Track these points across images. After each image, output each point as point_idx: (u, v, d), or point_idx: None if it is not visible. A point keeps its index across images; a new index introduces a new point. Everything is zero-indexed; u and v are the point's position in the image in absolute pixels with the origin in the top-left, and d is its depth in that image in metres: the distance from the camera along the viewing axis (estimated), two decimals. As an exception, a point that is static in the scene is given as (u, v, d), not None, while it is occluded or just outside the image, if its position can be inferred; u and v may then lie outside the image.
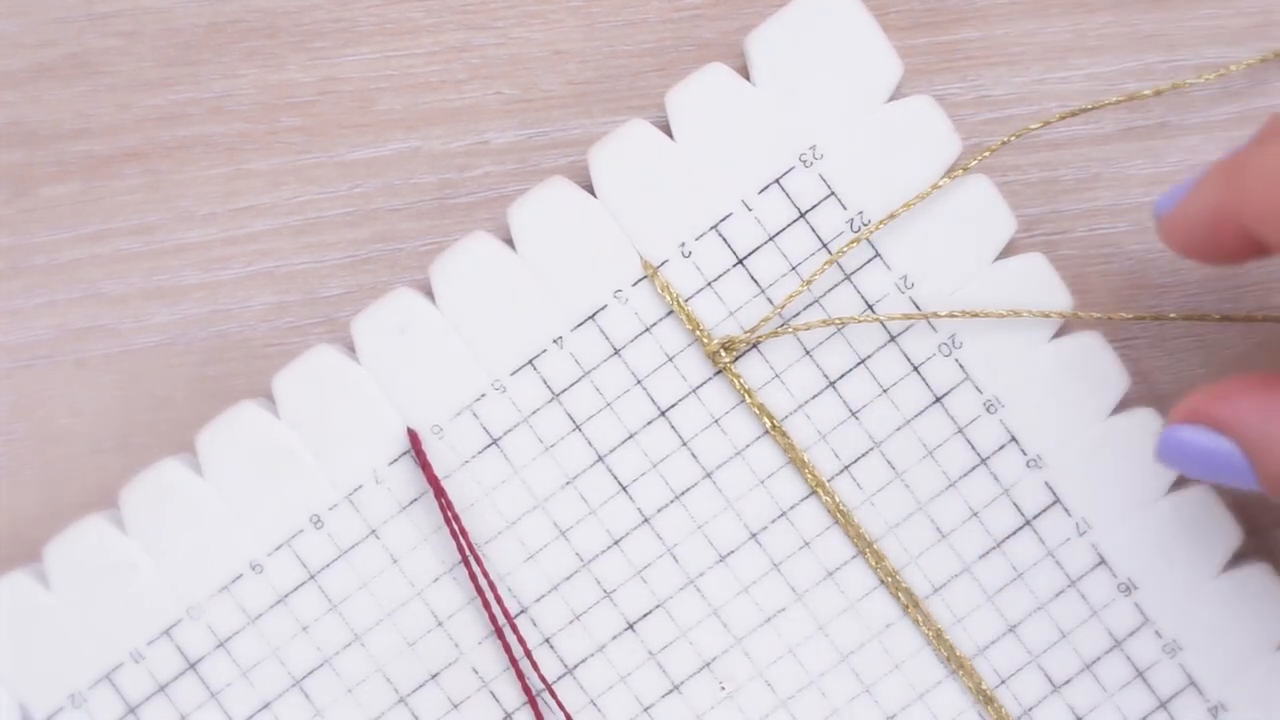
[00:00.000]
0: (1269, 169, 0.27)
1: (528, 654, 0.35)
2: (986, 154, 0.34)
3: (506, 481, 0.35)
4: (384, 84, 0.36)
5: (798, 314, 0.35)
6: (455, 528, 0.34)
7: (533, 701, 0.35)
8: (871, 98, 0.34)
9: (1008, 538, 0.35)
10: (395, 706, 0.35)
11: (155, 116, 0.36)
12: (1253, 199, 0.28)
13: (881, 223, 0.34)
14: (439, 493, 0.34)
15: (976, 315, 0.34)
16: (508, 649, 0.35)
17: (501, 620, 0.35)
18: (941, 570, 0.35)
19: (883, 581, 0.35)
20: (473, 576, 0.34)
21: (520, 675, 0.35)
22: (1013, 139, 0.34)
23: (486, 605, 0.35)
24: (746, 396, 0.35)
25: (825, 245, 0.35)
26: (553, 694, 0.35)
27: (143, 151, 0.36)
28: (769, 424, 0.35)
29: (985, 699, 0.35)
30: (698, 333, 0.34)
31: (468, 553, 0.34)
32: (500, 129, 0.36)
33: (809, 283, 0.34)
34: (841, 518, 0.35)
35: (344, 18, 0.36)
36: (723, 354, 0.34)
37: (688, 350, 0.35)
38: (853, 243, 0.34)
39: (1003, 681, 0.35)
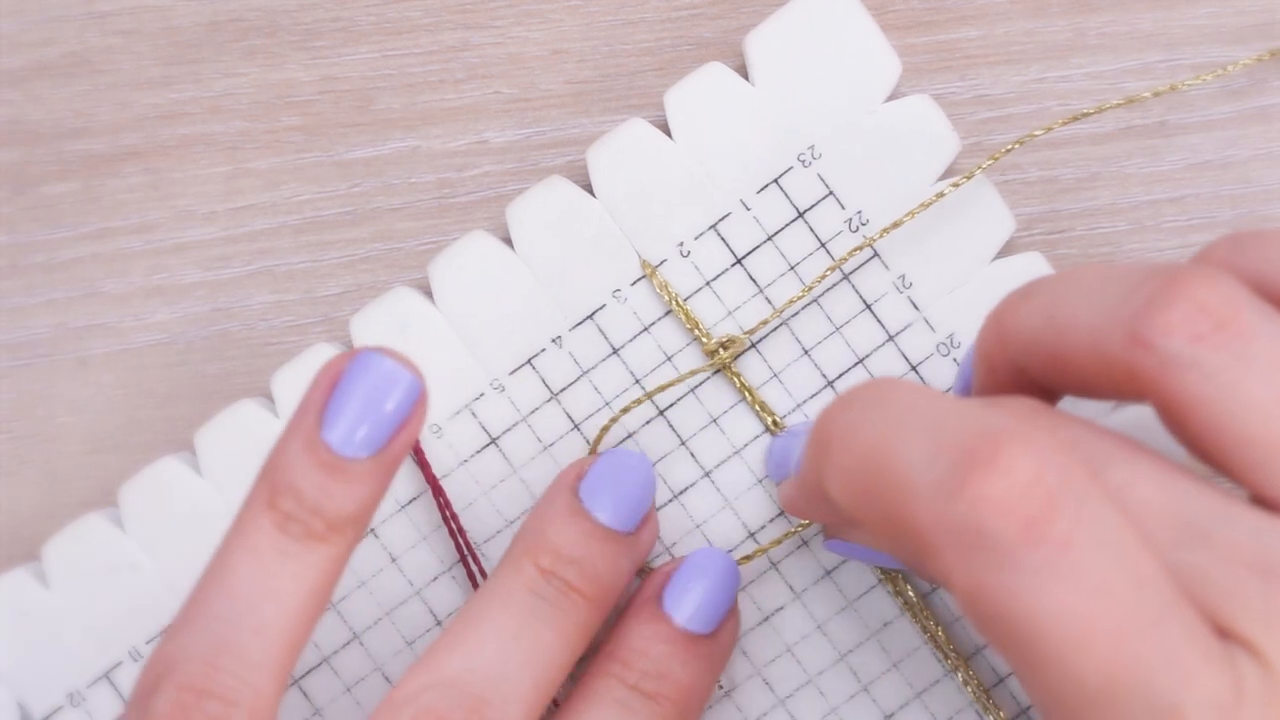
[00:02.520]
0: (851, 489, 0.26)
1: None
2: (990, 162, 0.34)
3: (505, 481, 0.35)
4: (383, 83, 0.36)
5: (796, 314, 0.35)
6: (453, 527, 0.34)
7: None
8: (870, 97, 0.34)
9: (1006, 537, 0.35)
10: (394, 705, 0.35)
11: (155, 115, 0.36)
12: (835, 473, 0.27)
13: (885, 231, 0.34)
14: (437, 492, 0.34)
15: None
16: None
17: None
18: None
19: (880, 580, 0.35)
20: (471, 575, 0.34)
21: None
22: (1016, 146, 0.34)
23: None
24: (747, 395, 0.35)
25: (824, 245, 0.35)
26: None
27: (143, 150, 0.36)
28: (770, 422, 0.35)
29: (984, 697, 0.35)
30: (696, 332, 0.34)
31: (466, 552, 0.34)
32: (499, 128, 0.36)
33: (810, 288, 0.34)
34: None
35: (343, 17, 0.36)
36: (721, 353, 0.34)
37: (686, 350, 0.35)
38: (857, 249, 0.34)
39: (1001, 680, 0.35)
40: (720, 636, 0.33)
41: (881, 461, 0.25)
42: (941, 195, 0.34)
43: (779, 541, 0.34)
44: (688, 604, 0.33)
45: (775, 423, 0.35)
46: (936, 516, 0.24)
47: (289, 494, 0.28)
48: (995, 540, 0.23)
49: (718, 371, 0.35)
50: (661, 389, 0.34)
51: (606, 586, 0.32)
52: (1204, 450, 0.25)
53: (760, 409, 0.35)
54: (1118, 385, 0.25)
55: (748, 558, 0.34)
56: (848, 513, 0.26)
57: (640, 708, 0.32)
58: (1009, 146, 0.34)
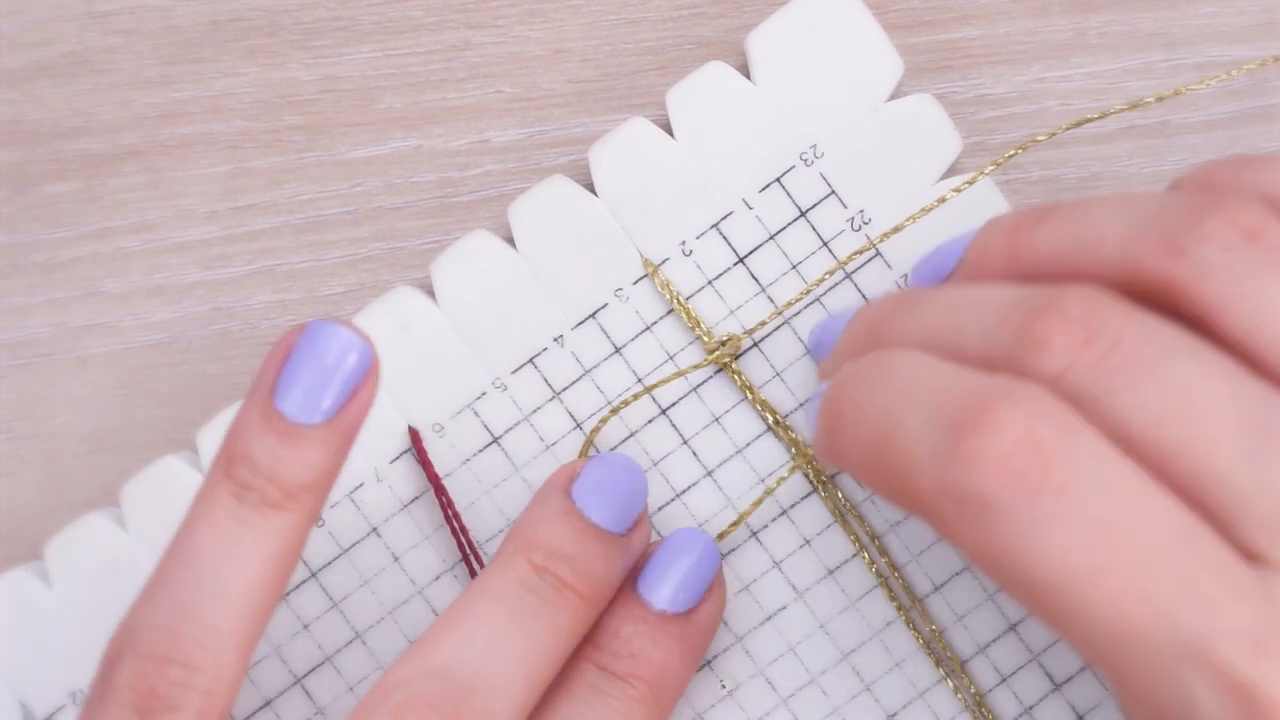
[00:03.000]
0: (857, 445, 0.27)
1: None
2: (993, 167, 0.34)
3: (507, 480, 0.35)
4: (385, 82, 0.36)
5: (798, 313, 0.35)
6: (455, 525, 0.34)
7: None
8: (872, 96, 0.34)
9: (1008, 536, 0.35)
10: (396, 704, 0.35)
11: (156, 114, 0.36)
12: (848, 449, 0.28)
13: (886, 235, 0.34)
14: (439, 490, 0.34)
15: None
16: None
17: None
18: (942, 568, 0.35)
19: (878, 583, 0.35)
20: (473, 574, 0.34)
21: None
22: (1019, 152, 0.34)
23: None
24: (748, 394, 0.35)
25: (826, 244, 0.35)
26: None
27: (143, 149, 0.36)
28: (771, 421, 0.35)
29: (976, 702, 0.35)
30: (697, 331, 0.34)
31: (468, 551, 0.34)
32: (501, 127, 0.36)
33: (810, 289, 0.34)
34: (841, 517, 0.35)
35: (345, 16, 0.36)
36: (724, 350, 0.34)
37: (688, 349, 0.35)
38: (859, 252, 0.34)
39: (1004, 680, 0.35)
40: (697, 616, 0.33)
41: (886, 436, 0.26)
42: (944, 200, 0.34)
43: (758, 503, 0.34)
44: (661, 585, 0.33)
45: (777, 421, 0.35)
46: (937, 484, 0.24)
47: (244, 463, 0.28)
48: (991, 499, 0.24)
49: (719, 370, 0.35)
50: (657, 385, 0.34)
51: (599, 584, 0.32)
52: (1238, 356, 0.25)
53: (762, 407, 0.35)
54: (1147, 296, 0.26)
55: (722, 534, 0.34)
56: (863, 483, 0.27)
57: (611, 689, 0.32)
58: (1011, 152, 0.34)
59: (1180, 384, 0.24)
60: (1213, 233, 0.25)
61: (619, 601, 0.33)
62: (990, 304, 0.27)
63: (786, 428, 0.35)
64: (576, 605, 0.31)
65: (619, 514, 0.33)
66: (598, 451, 0.35)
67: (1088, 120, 0.33)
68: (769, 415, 0.35)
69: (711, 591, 0.33)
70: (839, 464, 0.29)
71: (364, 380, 0.29)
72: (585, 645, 0.32)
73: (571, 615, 0.31)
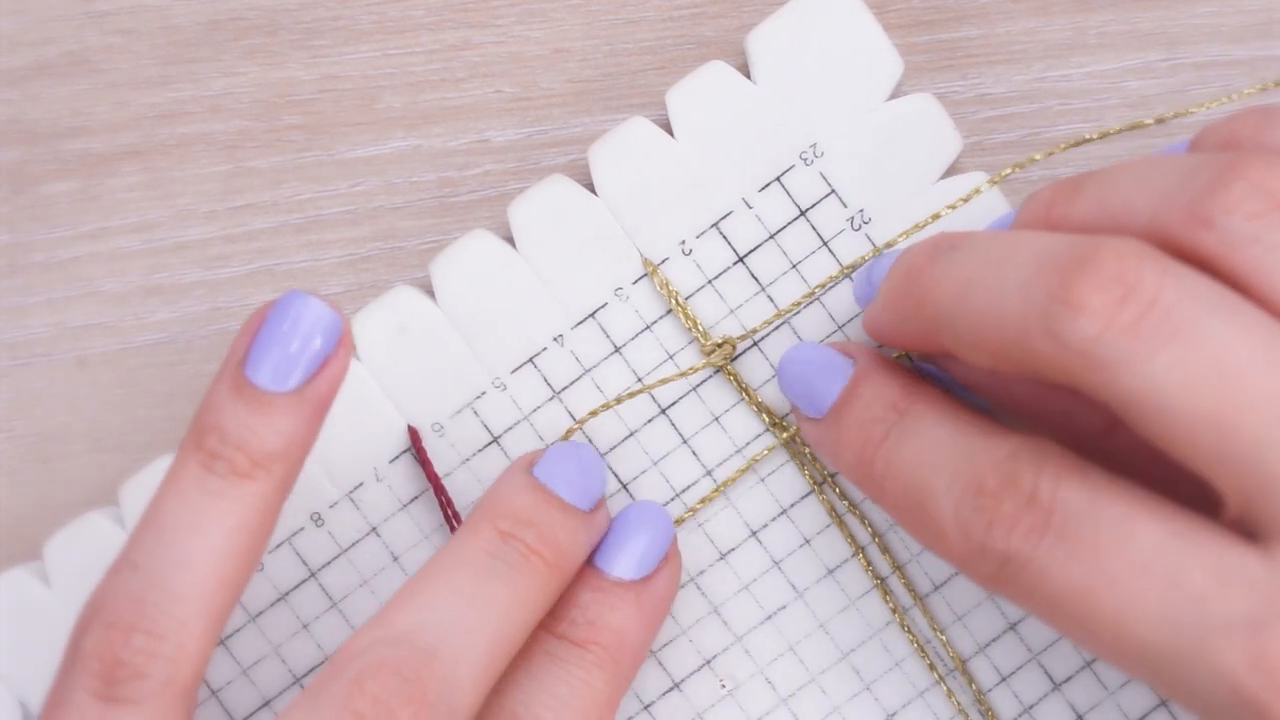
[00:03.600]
0: (943, 292, 0.28)
1: None
2: (989, 185, 0.34)
3: (507, 479, 0.35)
4: (384, 82, 0.36)
5: (798, 312, 0.35)
6: (455, 526, 0.34)
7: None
8: (872, 96, 0.34)
9: (1008, 535, 0.35)
10: (395, 704, 0.35)
11: (155, 114, 0.36)
12: (891, 509, 0.30)
13: (888, 245, 0.34)
14: (439, 490, 0.34)
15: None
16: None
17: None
18: (942, 567, 0.35)
19: (884, 579, 0.35)
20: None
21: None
22: (1014, 171, 0.34)
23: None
24: (745, 395, 0.35)
25: (826, 243, 0.35)
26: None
27: (142, 149, 0.36)
28: (769, 422, 0.35)
29: (974, 706, 0.35)
30: (695, 332, 0.34)
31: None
32: (501, 127, 0.36)
33: (814, 291, 0.34)
34: (839, 518, 0.35)
35: (344, 15, 0.36)
36: (718, 353, 0.34)
37: (688, 348, 0.35)
38: (864, 259, 0.34)
39: (1003, 679, 0.35)
40: (653, 583, 0.33)
41: (978, 299, 0.27)
42: (938, 216, 0.34)
43: (717, 492, 0.34)
44: (616, 553, 0.33)
45: (775, 422, 0.35)
46: (1055, 343, 0.26)
47: (213, 432, 0.29)
48: (1097, 331, 0.25)
49: (717, 371, 0.35)
50: (652, 387, 0.34)
51: (564, 553, 0.32)
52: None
53: (759, 408, 0.35)
54: (1041, 370, 0.26)
55: (704, 499, 0.34)
56: (957, 355, 0.28)
57: (568, 655, 0.32)
58: (1007, 171, 0.34)
59: (1214, 348, 0.25)
60: (1238, 201, 0.26)
61: (576, 574, 0.33)
62: (1028, 257, 0.27)
63: (784, 428, 0.35)
64: (542, 571, 0.31)
65: (581, 490, 0.33)
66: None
67: (1086, 141, 0.33)
68: (766, 416, 0.35)
69: (667, 560, 0.33)
70: (894, 335, 0.30)
71: (335, 350, 0.29)
72: (543, 617, 0.32)
73: (536, 581, 0.31)
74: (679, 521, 0.35)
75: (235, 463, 0.29)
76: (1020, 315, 0.26)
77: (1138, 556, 0.25)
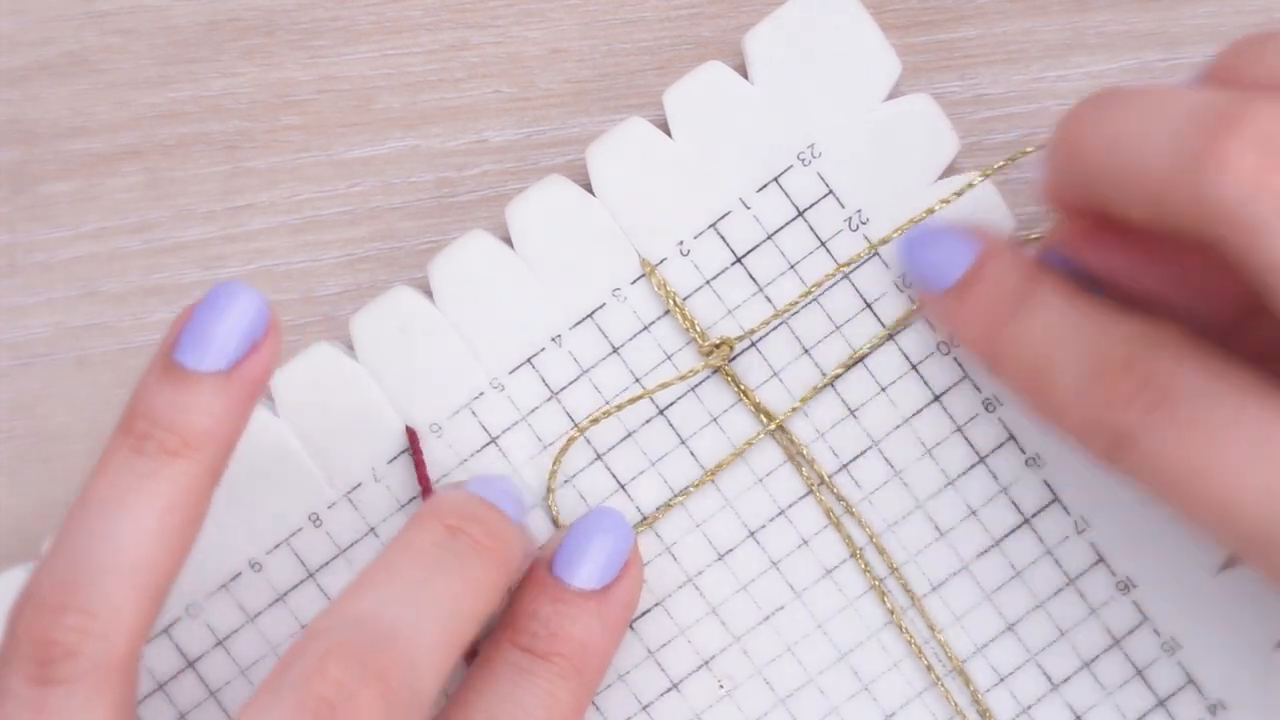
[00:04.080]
0: (1099, 141, 0.29)
1: None
2: (982, 179, 0.34)
3: (505, 480, 0.35)
4: (382, 82, 0.36)
5: (796, 313, 0.35)
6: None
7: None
8: (870, 96, 0.34)
9: (1006, 536, 0.35)
10: (394, 704, 0.35)
11: (154, 114, 0.36)
12: (1012, 387, 0.31)
13: (882, 241, 0.34)
14: (427, 491, 0.34)
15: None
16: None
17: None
18: (941, 567, 0.35)
19: (881, 579, 0.35)
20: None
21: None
22: (1008, 164, 0.34)
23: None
24: (743, 396, 0.35)
25: (824, 244, 0.35)
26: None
27: (141, 149, 0.36)
28: (766, 422, 0.35)
29: (969, 708, 0.35)
30: (693, 333, 0.34)
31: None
32: (499, 127, 0.36)
33: (811, 290, 0.34)
34: (839, 517, 0.35)
35: (342, 16, 0.36)
36: (716, 354, 0.34)
37: (686, 349, 0.35)
38: (859, 257, 0.34)
39: (1001, 680, 0.35)
40: (614, 591, 0.33)
41: (1130, 149, 0.27)
42: (932, 210, 0.34)
43: (698, 485, 0.34)
44: (577, 562, 0.33)
45: (772, 422, 0.35)
46: (1084, 424, 0.29)
47: (143, 416, 0.29)
48: (1248, 192, 0.25)
49: (715, 372, 0.35)
50: (647, 395, 0.34)
51: (510, 548, 0.32)
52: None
53: (756, 409, 0.35)
54: (1185, 226, 0.27)
55: (697, 484, 0.34)
56: (1109, 209, 0.29)
57: (533, 668, 0.32)
58: (1000, 163, 0.34)
59: None
60: (1238, 156, 0.25)
61: (536, 583, 0.33)
62: (1182, 109, 0.27)
63: (783, 428, 0.35)
64: (490, 562, 0.31)
65: (512, 504, 0.33)
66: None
67: None
68: (764, 418, 0.35)
69: (628, 568, 0.33)
70: (1054, 189, 0.31)
71: (264, 337, 0.30)
72: (505, 629, 0.33)
73: (486, 571, 0.31)
74: (668, 507, 0.35)
75: (165, 442, 0.29)
76: (1169, 167, 0.27)
77: (1248, 436, 0.27)
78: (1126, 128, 0.28)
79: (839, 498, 0.35)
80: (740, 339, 0.35)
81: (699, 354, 0.35)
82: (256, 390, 0.30)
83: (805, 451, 0.35)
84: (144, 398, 0.29)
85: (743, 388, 0.35)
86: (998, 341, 0.31)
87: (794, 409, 0.35)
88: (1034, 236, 0.34)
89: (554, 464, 0.35)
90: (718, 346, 0.34)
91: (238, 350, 0.30)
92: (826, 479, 0.35)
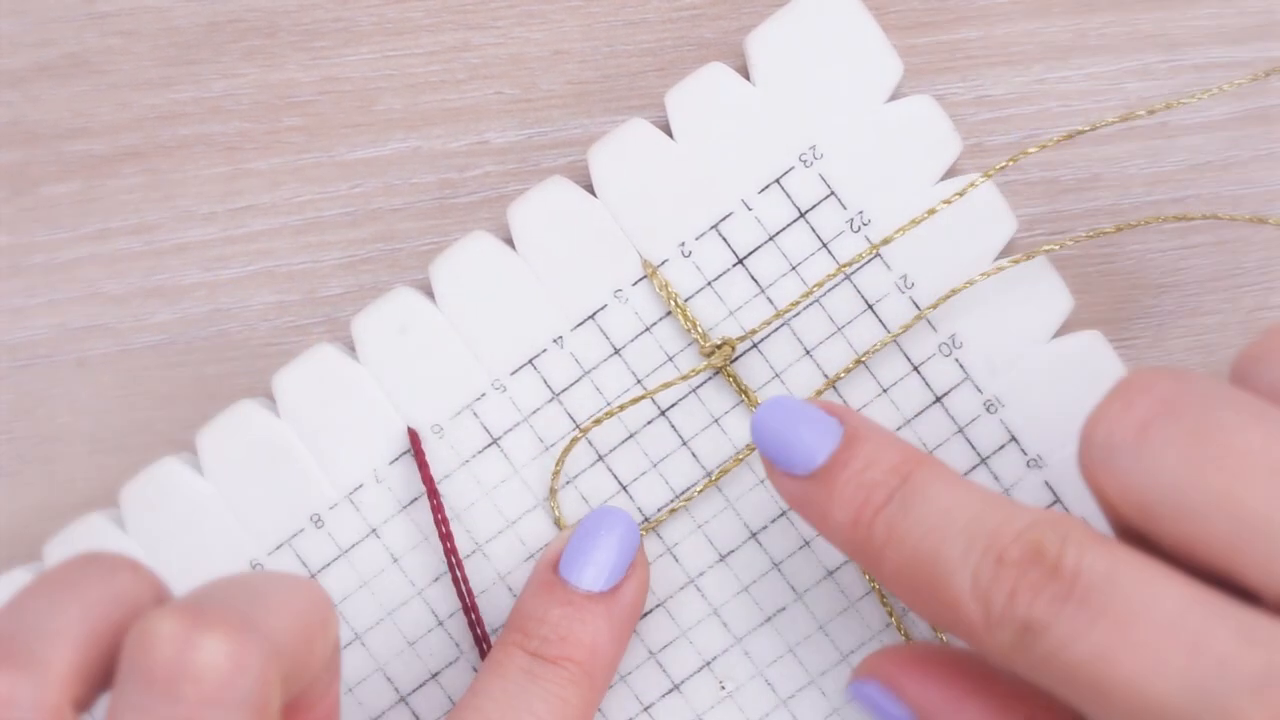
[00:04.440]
0: (892, 560, 0.29)
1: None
2: (984, 179, 0.34)
3: (507, 481, 0.35)
4: (384, 84, 0.36)
5: (798, 314, 0.35)
6: (445, 533, 0.34)
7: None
8: (872, 97, 0.34)
9: (1008, 537, 0.35)
10: (396, 706, 0.35)
11: (155, 115, 0.36)
12: (890, 575, 0.30)
13: (884, 241, 0.34)
14: (433, 494, 0.34)
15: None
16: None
17: (506, 618, 0.35)
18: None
19: (872, 589, 0.35)
20: (456, 582, 0.34)
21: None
22: (1010, 164, 0.34)
23: (467, 613, 0.35)
24: (745, 397, 0.35)
25: (825, 245, 0.35)
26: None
27: (142, 151, 0.36)
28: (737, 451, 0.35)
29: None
30: (694, 334, 0.34)
31: (454, 560, 0.34)
32: (500, 129, 0.36)
33: (810, 292, 0.34)
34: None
35: (344, 17, 0.36)
36: (718, 355, 0.34)
37: (688, 350, 0.35)
38: (861, 257, 0.34)
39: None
40: (621, 593, 0.33)
41: (929, 566, 0.28)
42: (948, 202, 0.34)
43: (702, 488, 0.34)
44: (584, 565, 0.33)
45: None
46: (984, 618, 0.27)
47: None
48: (1030, 614, 0.26)
49: (716, 373, 0.35)
50: (648, 395, 0.34)
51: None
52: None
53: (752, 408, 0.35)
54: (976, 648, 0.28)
55: (674, 506, 0.34)
56: (901, 600, 0.30)
57: (544, 673, 0.32)
58: (1001, 164, 0.34)
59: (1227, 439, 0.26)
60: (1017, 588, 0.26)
61: (543, 585, 0.33)
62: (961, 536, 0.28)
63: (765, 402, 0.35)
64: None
65: (608, 573, 0.33)
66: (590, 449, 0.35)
67: (1079, 132, 0.33)
68: None
69: (634, 568, 0.34)
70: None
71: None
72: (514, 632, 0.33)
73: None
74: (671, 511, 0.35)
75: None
76: (949, 577, 0.28)
77: (1161, 620, 0.25)
78: (916, 543, 0.28)
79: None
80: (742, 339, 0.35)
81: (701, 355, 0.35)
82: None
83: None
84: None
85: (744, 388, 0.35)
86: (872, 527, 0.29)
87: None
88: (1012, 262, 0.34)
89: (556, 466, 0.35)
90: (719, 347, 0.34)
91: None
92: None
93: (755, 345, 0.35)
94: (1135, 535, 0.27)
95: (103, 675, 0.26)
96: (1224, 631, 0.25)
